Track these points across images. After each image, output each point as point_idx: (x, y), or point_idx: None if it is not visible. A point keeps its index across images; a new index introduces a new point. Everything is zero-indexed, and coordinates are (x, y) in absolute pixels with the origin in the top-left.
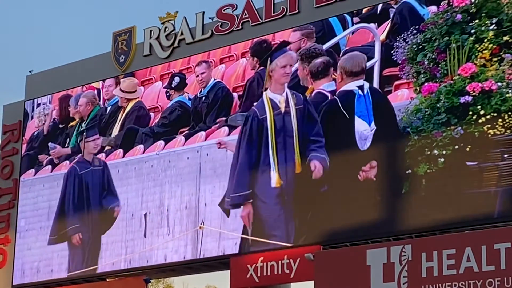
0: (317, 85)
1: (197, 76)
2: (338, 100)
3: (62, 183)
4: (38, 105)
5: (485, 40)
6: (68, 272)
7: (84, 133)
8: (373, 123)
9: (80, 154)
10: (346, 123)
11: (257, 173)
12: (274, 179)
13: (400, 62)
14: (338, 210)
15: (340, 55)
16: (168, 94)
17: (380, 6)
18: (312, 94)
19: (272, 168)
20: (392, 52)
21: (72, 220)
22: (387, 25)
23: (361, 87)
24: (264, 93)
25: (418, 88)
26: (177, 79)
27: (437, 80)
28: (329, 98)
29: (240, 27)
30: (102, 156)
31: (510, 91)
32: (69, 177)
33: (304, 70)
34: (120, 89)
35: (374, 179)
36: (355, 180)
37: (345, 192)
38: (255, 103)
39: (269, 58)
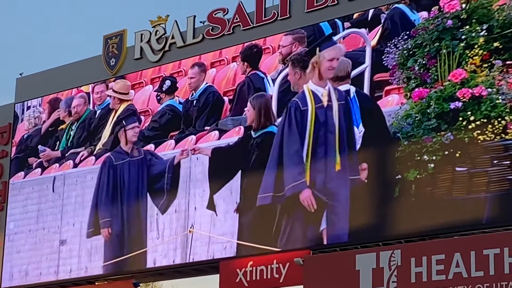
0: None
1: (190, 78)
2: None
3: (96, 175)
4: (28, 107)
5: (476, 46)
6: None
7: (123, 122)
8: (361, 125)
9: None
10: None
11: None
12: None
13: (390, 67)
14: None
15: None
16: (158, 97)
17: (371, 11)
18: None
19: (303, 164)
20: (382, 57)
21: (104, 213)
22: (378, 30)
23: (347, 92)
24: (304, 85)
25: (408, 94)
26: (168, 82)
27: (428, 86)
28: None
29: (231, 31)
30: (148, 146)
31: (500, 97)
32: (103, 168)
33: (296, 75)
34: (113, 90)
35: (366, 181)
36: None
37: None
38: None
39: (317, 48)
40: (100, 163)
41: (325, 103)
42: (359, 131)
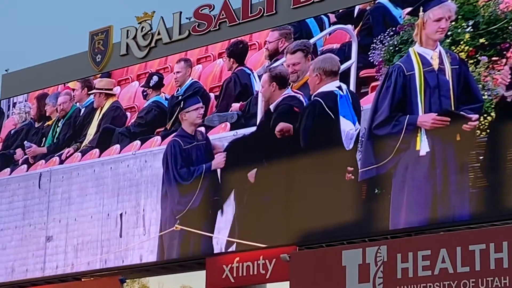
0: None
1: (176, 72)
2: (321, 100)
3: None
4: (14, 104)
5: (462, 42)
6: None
7: (181, 104)
8: (357, 123)
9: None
10: (332, 123)
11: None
12: (422, 144)
13: (376, 63)
14: (315, 210)
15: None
16: (145, 93)
17: (357, 8)
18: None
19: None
20: (368, 53)
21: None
22: (363, 26)
23: (339, 88)
24: (411, 48)
25: None
26: (155, 78)
27: None
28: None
29: (217, 27)
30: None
31: (485, 93)
32: (171, 151)
33: (271, 87)
34: (96, 88)
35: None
36: (342, 180)
37: (329, 192)
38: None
39: (421, 7)
40: (86, 159)
41: (435, 66)
42: (355, 128)
